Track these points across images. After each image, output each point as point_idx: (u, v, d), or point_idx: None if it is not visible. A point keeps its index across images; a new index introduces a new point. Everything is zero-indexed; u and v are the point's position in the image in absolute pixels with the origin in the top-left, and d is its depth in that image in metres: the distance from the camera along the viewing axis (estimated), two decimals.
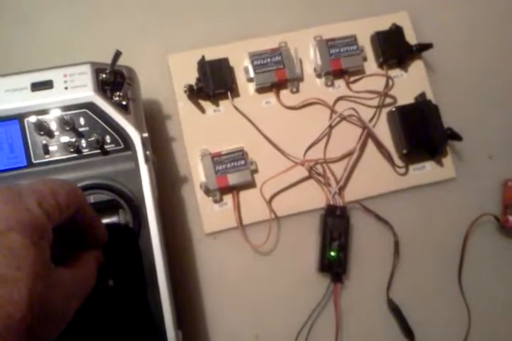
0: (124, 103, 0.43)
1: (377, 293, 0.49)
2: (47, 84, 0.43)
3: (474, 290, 0.50)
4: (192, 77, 0.51)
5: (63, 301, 0.29)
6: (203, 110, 0.52)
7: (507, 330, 0.50)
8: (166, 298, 0.39)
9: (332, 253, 0.48)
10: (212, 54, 0.51)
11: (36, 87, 0.42)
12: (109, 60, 0.42)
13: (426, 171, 0.52)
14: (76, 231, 0.34)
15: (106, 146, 0.42)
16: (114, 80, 0.44)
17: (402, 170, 0.52)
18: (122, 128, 0.42)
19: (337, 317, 0.48)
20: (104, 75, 0.43)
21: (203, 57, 0.50)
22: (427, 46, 0.53)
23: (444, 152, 0.53)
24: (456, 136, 0.51)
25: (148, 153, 0.42)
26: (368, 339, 0.48)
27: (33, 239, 0.27)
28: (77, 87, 0.43)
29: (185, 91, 0.50)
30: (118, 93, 0.43)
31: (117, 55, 0.42)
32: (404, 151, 0.51)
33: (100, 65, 0.44)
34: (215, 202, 0.49)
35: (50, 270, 0.28)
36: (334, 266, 0.48)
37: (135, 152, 0.42)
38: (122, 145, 0.42)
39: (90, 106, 0.42)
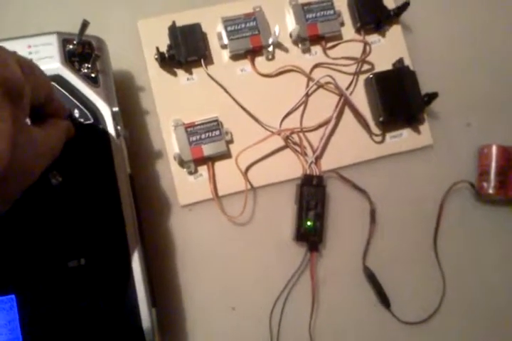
0: (93, 75, 0.42)
1: (353, 260, 0.50)
2: None
3: (449, 256, 0.51)
4: (163, 44, 0.49)
5: (33, 159, 0.29)
6: (175, 79, 0.50)
7: (481, 296, 0.51)
8: (140, 275, 0.38)
9: (308, 223, 0.48)
10: (183, 19, 0.49)
11: None
12: (76, 30, 0.40)
13: (403, 139, 0.52)
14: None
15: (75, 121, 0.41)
16: (82, 51, 0.42)
17: (379, 138, 0.52)
18: (91, 102, 0.41)
19: (313, 286, 0.48)
20: (71, 46, 0.42)
21: (174, 22, 0.48)
22: (405, 6, 0.51)
23: (421, 119, 0.52)
24: (432, 96, 0.51)
25: (119, 127, 0.41)
26: (344, 306, 0.49)
27: (13, 94, 0.26)
28: (43, 59, 0.41)
29: (156, 59, 0.49)
30: (86, 65, 0.42)
31: (85, 24, 0.40)
32: (381, 119, 0.51)
33: (67, 35, 0.42)
34: (190, 173, 0.49)
35: (27, 127, 0.28)
36: (310, 235, 0.48)
37: (105, 127, 0.41)
38: (92, 120, 0.41)
39: (57, 78, 0.41)
